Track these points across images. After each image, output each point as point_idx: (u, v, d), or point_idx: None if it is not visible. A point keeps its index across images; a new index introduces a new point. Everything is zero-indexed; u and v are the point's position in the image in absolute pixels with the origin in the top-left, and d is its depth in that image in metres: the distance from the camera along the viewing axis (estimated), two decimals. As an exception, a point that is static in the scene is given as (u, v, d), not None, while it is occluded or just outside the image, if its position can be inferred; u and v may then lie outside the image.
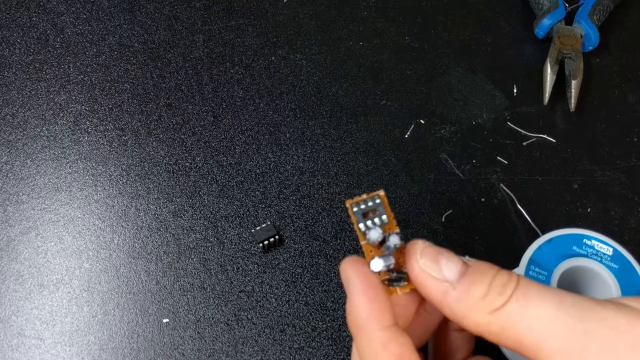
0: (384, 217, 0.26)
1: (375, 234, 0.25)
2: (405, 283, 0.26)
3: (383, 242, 0.25)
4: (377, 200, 0.26)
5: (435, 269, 0.24)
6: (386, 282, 0.26)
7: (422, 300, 0.29)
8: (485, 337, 0.24)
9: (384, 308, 0.24)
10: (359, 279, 0.25)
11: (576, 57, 0.48)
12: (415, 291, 0.26)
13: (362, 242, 0.26)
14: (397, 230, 0.26)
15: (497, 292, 0.23)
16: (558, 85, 0.48)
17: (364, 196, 0.26)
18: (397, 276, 0.26)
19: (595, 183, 0.44)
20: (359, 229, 0.26)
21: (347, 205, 0.26)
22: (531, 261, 0.36)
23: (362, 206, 0.26)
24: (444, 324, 0.31)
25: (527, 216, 0.42)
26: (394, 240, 0.25)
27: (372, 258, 0.25)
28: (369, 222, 0.26)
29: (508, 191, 0.44)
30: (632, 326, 0.22)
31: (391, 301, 0.25)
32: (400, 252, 0.26)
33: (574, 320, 0.22)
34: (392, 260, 0.25)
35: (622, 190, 0.44)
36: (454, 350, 0.31)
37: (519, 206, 0.43)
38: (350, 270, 0.25)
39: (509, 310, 0.23)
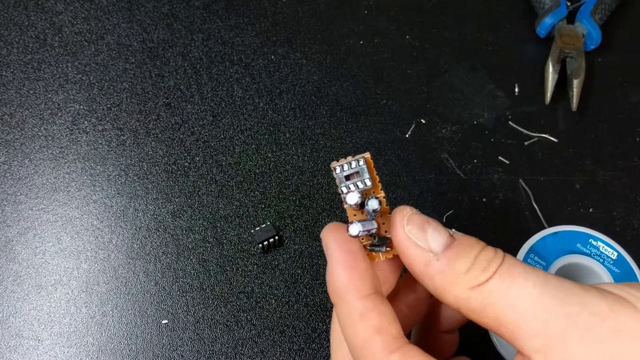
0: (367, 181, 0.25)
1: (353, 198, 0.24)
2: (388, 249, 0.25)
3: (362, 204, 0.25)
4: (361, 163, 0.25)
5: (421, 238, 0.23)
6: (368, 247, 0.25)
7: (403, 296, 0.28)
8: (463, 313, 0.23)
9: (364, 276, 0.24)
10: (338, 247, 0.24)
11: (578, 56, 0.48)
12: (398, 258, 0.25)
13: (345, 205, 0.25)
14: (382, 194, 0.25)
15: (482, 268, 0.22)
16: (560, 84, 0.47)
17: (349, 158, 0.25)
18: (379, 241, 0.25)
19: (598, 183, 0.44)
20: (342, 191, 0.25)
21: (332, 166, 0.25)
22: (532, 249, 0.36)
23: (345, 167, 0.25)
24: (431, 323, 0.30)
25: (529, 216, 0.42)
26: (373, 204, 0.24)
27: (352, 222, 0.24)
28: (351, 185, 0.25)
29: (510, 189, 0.43)
30: (613, 312, 0.21)
31: (373, 269, 0.25)
32: (385, 217, 0.25)
33: (556, 302, 0.21)
34: (374, 225, 0.24)
35: (624, 191, 0.44)
36: (437, 350, 0.30)
37: (522, 206, 0.43)
38: (329, 238, 0.25)
39: (491, 287, 0.22)
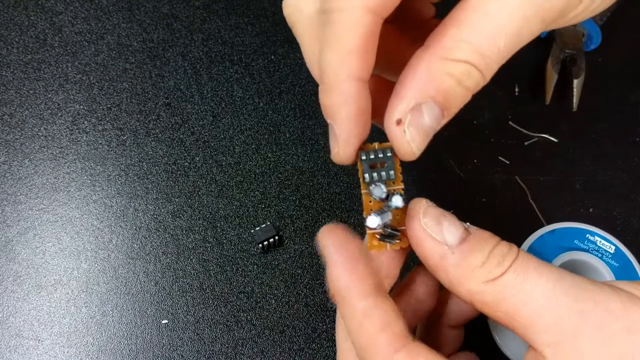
0: (392, 172, 0.25)
1: (378, 192, 0.24)
2: (398, 241, 0.25)
3: (386, 198, 0.25)
4: (389, 154, 0.25)
5: (437, 231, 0.24)
6: (377, 236, 0.25)
7: (413, 289, 0.28)
8: (476, 307, 0.23)
9: (364, 276, 0.24)
10: (336, 249, 0.24)
11: (578, 56, 0.48)
12: (402, 251, 0.25)
13: (363, 191, 0.25)
14: (402, 186, 0.25)
15: (496, 262, 0.23)
16: (560, 84, 0.47)
17: (376, 145, 0.25)
18: (390, 233, 0.25)
19: (598, 183, 0.44)
20: (364, 178, 0.25)
21: (357, 152, 0.25)
22: (530, 249, 0.36)
23: (372, 156, 0.25)
24: (438, 318, 0.30)
25: (529, 216, 0.42)
26: (397, 201, 0.24)
27: (369, 214, 0.24)
28: (375, 174, 0.25)
29: (510, 189, 0.43)
30: (626, 310, 0.21)
31: (373, 267, 0.24)
32: (399, 210, 0.25)
33: (569, 298, 0.22)
34: (389, 217, 0.24)
35: (624, 191, 0.44)
36: (442, 345, 0.31)
37: (521, 206, 0.43)
38: (326, 240, 0.24)
39: (505, 281, 0.22)
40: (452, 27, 0.22)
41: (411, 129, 0.23)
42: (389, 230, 0.25)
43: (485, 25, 0.22)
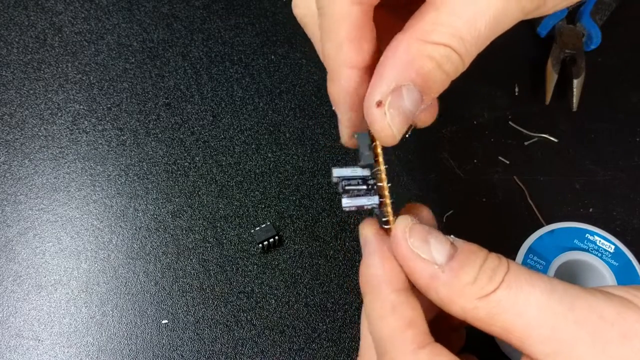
0: (376, 200, 0.25)
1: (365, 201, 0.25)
2: (387, 227, 0.25)
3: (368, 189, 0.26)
4: (376, 200, 0.25)
5: (425, 250, 0.23)
6: None
7: (419, 294, 0.28)
8: (470, 323, 0.23)
9: (398, 270, 0.24)
10: (377, 240, 0.25)
11: (578, 56, 0.48)
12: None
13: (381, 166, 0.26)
14: (383, 168, 0.25)
15: (488, 277, 0.22)
16: (560, 84, 0.47)
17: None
18: (381, 221, 0.25)
19: (598, 183, 0.44)
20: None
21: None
22: (530, 249, 0.36)
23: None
24: (439, 321, 0.30)
25: (529, 216, 0.42)
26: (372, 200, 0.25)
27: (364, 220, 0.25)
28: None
29: (510, 189, 0.43)
30: (621, 316, 0.21)
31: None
32: (385, 200, 0.26)
33: (563, 308, 0.21)
34: (376, 201, 0.25)
35: (624, 191, 0.44)
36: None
37: (521, 206, 0.43)
38: (367, 229, 0.25)
39: (498, 296, 0.22)
40: (432, 10, 0.22)
41: (392, 111, 0.23)
42: (380, 220, 0.26)
43: (465, 9, 0.22)
